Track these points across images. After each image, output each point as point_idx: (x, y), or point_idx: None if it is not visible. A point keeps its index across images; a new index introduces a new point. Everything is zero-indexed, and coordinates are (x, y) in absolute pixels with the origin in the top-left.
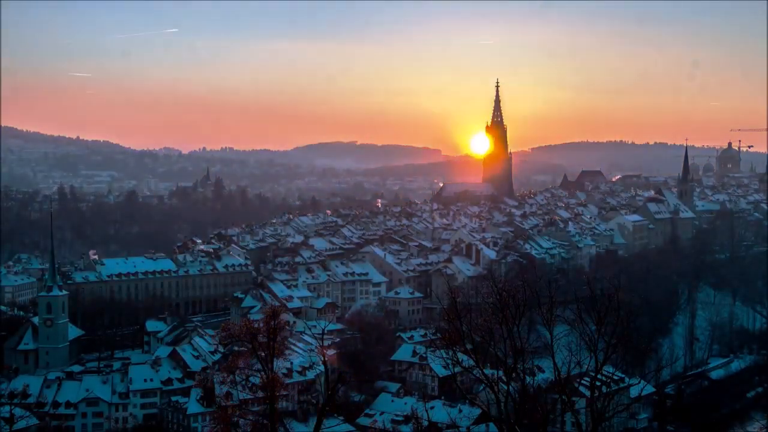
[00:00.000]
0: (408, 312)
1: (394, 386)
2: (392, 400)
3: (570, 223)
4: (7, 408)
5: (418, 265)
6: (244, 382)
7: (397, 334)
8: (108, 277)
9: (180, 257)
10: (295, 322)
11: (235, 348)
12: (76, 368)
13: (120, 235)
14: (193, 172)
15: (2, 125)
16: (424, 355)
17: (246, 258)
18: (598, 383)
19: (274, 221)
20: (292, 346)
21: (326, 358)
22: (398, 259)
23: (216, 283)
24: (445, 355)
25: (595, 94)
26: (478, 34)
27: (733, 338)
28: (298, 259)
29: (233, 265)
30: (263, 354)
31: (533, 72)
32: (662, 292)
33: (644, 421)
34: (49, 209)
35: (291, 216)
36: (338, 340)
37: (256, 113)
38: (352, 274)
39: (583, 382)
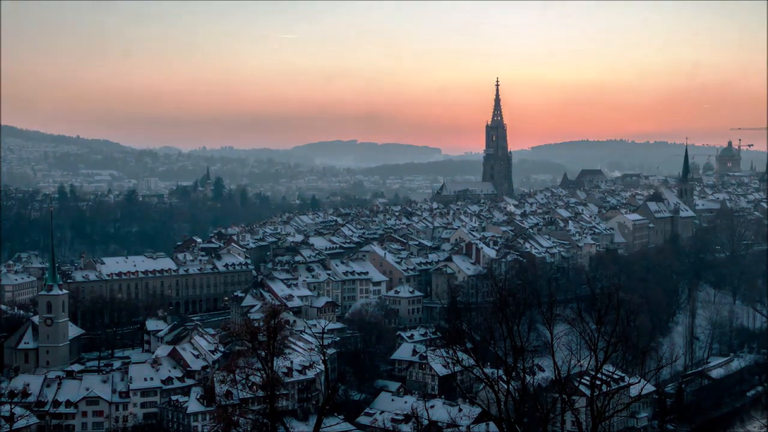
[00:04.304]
0: (408, 311)
1: (394, 385)
2: (392, 399)
3: (570, 222)
4: (7, 407)
5: (418, 264)
6: (244, 381)
7: (398, 333)
8: (108, 276)
9: (180, 256)
10: (295, 321)
11: (236, 347)
12: (77, 367)
13: (120, 234)
14: (193, 171)
15: (2, 124)
16: (424, 354)
17: (246, 257)
18: (598, 382)
19: (274, 220)
20: (293, 345)
21: (326, 357)
22: (398, 258)
23: (216, 282)
24: (445, 354)
25: (595, 92)
26: (478, 33)
27: (733, 337)
28: (298, 258)
29: (233, 264)
30: (263, 353)
31: (533, 71)
32: (662, 291)
33: (644, 420)
34: (49, 208)
35: (291, 215)
36: (338, 339)
37: (257, 112)
38: (353, 273)
39: (583, 381)
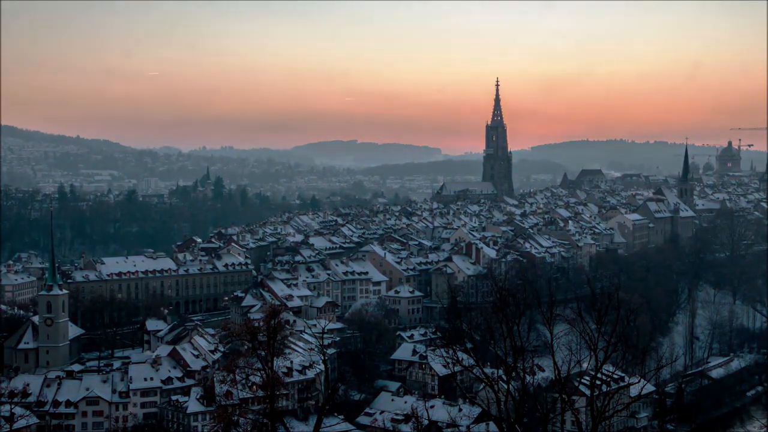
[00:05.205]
0: (408, 311)
1: (394, 385)
2: (392, 399)
3: (570, 222)
4: (7, 407)
5: (418, 264)
6: (244, 381)
7: (397, 333)
8: (108, 276)
9: (180, 256)
10: (295, 321)
11: (236, 347)
12: (77, 367)
13: (120, 234)
14: (193, 171)
15: (2, 124)
16: (424, 354)
17: (246, 257)
18: (598, 382)
19: (274, 220)
20: (293, 345)
21: (326, 357)
22: (398, 257)
23: (216, 282)
24: (445, 354)
25: (595, 93)
26: (478, 33)
27: (733, 337)
28: (298, 258)
29: (233, 264)
30: (263, 353)
31: (534, 71)
32: (662, 291)
33: (644, 420)
34: (49, 208)
35: (291, 215)
36: (338, 339)
37: (257, 112)
38: (353, 273)
39: (583, 381)
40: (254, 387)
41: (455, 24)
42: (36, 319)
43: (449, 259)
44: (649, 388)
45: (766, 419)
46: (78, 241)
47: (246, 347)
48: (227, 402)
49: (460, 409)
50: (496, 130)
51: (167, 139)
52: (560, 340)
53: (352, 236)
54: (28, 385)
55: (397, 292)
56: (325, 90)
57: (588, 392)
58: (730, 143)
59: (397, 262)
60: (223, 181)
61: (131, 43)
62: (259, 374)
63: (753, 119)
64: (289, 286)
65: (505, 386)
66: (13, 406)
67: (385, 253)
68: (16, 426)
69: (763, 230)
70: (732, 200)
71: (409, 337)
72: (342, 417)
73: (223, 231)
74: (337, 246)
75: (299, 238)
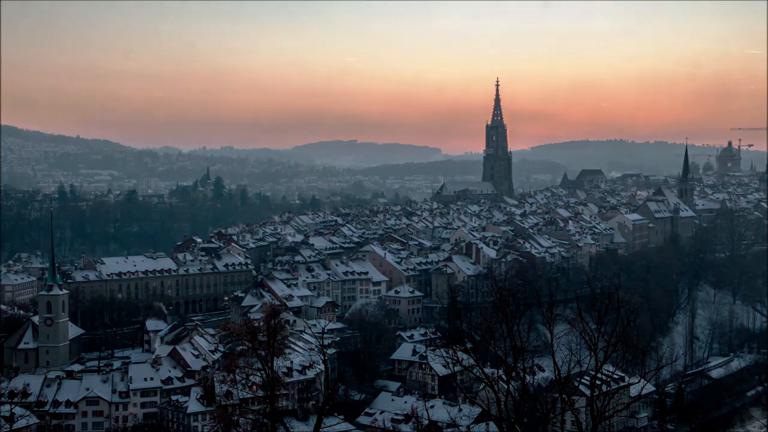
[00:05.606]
0: (408, 311)
1: (394, 385)
2: (392, 399)
3: (570, 221)
4: (7, 407)
5: (418, 264)
6: (244, 381)
7: (398, 333)
8: (108, 276)
9: (180, 256)
10: (295, 321)
11: (236, 347)
12: (77, 367)
13: (120, 234)
14: (193, 171)
15: (2, 124)
16: (424, 354)
17: (246, 257)
18: (598, 382)
19: (274, 220)
20: (293, 345)
21: (326, 357)
22: (398, 257)
23: (216, 282)
24: (445, 354)
25: (595, 92)
26: (479, 34)
27: (733, 337)
28: (298, 258)
29: (233, 264)
30: (263, 353)
31: (534, 71)
32: (662, 291)
33: (644, 420)
34: (49, 208)
35: (291, 215)
36: (338, 339)
37: (257, 112)
38: (353, 273)
39: (583, 381)
40: (254, 387)
41: (455, 24)
42: (36, 319)
43: (449, 259)
44: (649, 388)
45: (766, 419)
46: (78, 241)
47: (246, 347)
48: (227, 402)
49: (460, 409)
50: (496, 130)
51: (167, 139)
52: (560, 340)
53: (352, 236)
54: (28, 385)
55: (397, 292)
56: (325, 90)
57: (588, 392)
58: (730, 143)
59: (397, 262)
60: (223, 181)
61: (131, 43)
62: (259, 374)
63: (753, 119)
64: (289, 286)
65: (505, 386)
66: (13, 406)
67: (385, 253)
68: (16, 426)
69: (763, 230)
70: (732, 200)
71: (409, 337)
72: (342, 417)
73: (223, 231)
74: (337, 246)
75: (299, 238)
